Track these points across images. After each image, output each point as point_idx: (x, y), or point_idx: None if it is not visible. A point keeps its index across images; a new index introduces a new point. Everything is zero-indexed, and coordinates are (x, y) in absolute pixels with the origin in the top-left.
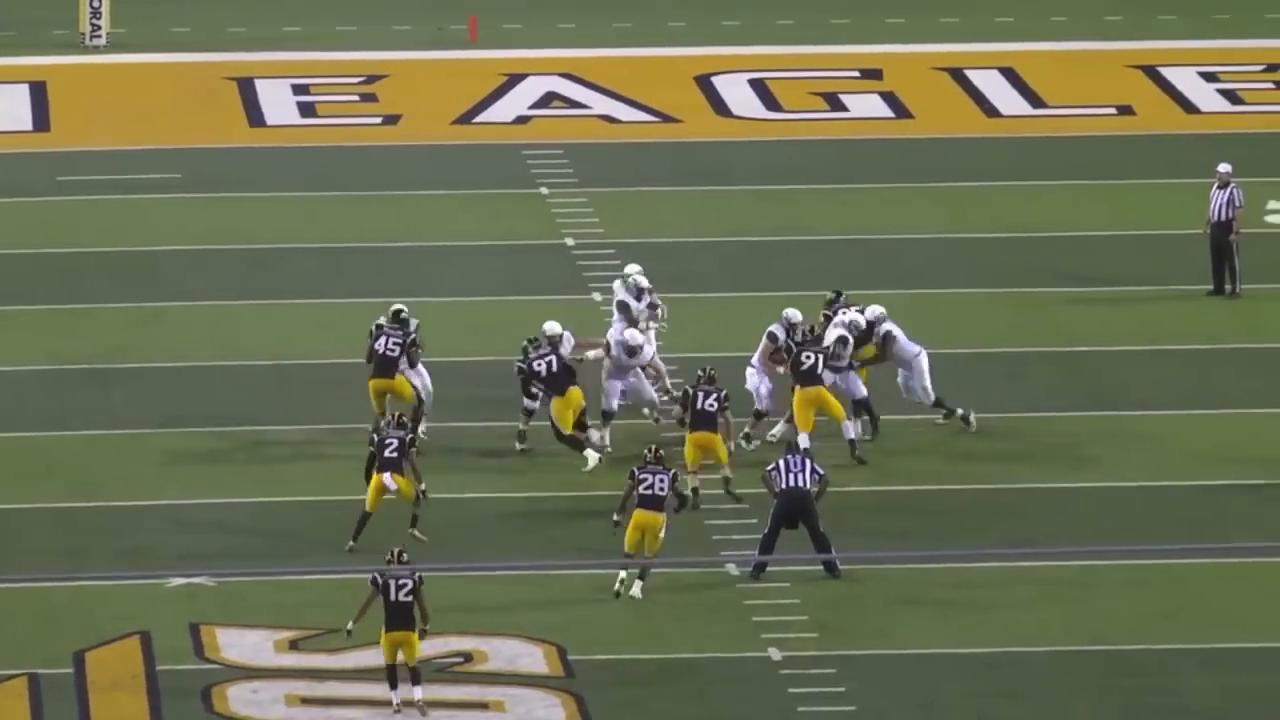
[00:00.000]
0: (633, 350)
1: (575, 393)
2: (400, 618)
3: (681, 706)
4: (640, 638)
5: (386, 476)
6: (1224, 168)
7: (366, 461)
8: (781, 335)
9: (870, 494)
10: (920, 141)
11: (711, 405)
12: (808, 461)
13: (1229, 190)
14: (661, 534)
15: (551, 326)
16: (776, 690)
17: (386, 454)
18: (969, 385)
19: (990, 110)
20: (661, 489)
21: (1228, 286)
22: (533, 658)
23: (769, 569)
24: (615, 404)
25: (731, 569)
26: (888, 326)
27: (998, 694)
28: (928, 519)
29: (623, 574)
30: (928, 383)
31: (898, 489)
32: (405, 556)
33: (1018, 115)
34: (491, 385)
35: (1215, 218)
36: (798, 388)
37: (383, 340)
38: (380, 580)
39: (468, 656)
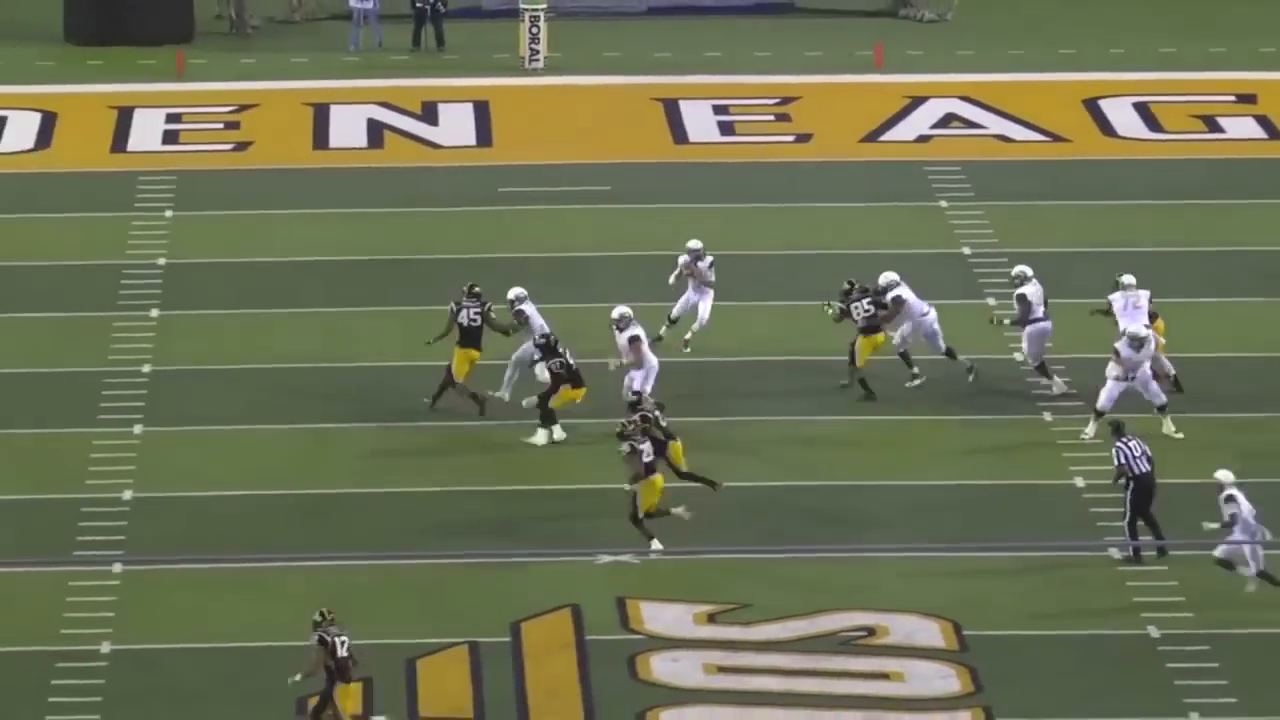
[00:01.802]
0: (1139, 342)
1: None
2: (344, 670)
3: (1066, 679)
4: (1029, 615)
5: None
6: None
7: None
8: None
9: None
10: None
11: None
12: (1142, 446)
13: None
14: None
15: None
16: (1155, 665)
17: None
18: None
19: None
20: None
21: None
22: (930, 632)
23: (1145, 551)
24: (1109, 403)
25: (1113, 553)
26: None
27: None
28: None
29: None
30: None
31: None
32: (333, 616)
33: None
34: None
35: None
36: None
37: (464, 313)
38: (327, 640)
39: (870, 630)
